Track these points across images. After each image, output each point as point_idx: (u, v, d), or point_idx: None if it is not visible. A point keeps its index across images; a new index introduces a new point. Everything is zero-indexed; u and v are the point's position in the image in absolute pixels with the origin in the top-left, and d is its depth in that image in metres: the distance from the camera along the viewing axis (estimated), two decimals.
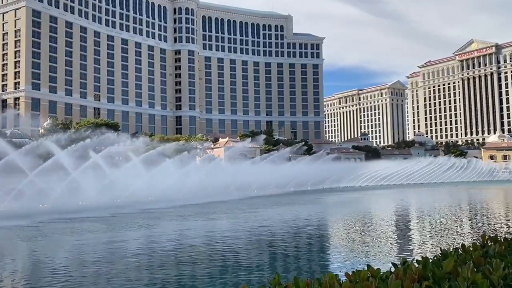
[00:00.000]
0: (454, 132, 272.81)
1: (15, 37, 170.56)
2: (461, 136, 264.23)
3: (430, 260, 4.47)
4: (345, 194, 73.20)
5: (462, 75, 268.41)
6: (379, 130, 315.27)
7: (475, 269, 4.02)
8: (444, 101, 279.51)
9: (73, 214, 40.79)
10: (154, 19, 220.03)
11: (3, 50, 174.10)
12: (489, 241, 5.70)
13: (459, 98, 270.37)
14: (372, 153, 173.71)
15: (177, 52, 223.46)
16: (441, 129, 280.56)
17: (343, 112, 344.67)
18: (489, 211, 42.53)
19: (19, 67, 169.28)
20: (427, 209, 44.87)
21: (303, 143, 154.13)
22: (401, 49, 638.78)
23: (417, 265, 4.40)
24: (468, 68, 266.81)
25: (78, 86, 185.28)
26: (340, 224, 33.53)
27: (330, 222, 36.07)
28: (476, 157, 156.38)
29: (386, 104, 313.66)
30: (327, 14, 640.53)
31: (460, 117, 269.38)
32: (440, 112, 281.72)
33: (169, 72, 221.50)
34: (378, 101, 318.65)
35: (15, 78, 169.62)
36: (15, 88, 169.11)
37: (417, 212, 43.94)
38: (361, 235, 26.68)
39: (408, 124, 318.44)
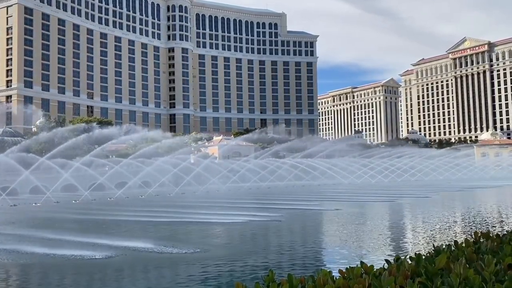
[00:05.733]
0: (447, 130, 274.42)
1: (7, 34, 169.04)
2: (454, 134, 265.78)
3: (423, 257, 4.50)
4: None
5: (455, 73, 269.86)
6: (373, 128, 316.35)
7: (468, 265, 4.05)
8: (437, 99, 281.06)
9: None
10: (147, 17, 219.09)
11: None
12: (481, 238, 5.74)
13: (452, 96, 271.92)
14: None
15: (171, 49, 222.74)
16: (434, 126, 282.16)
17: (337, 110, 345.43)
18: None
19: (11, 64, 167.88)
20: None
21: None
22: (394, 46, 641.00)
23: (410, 262, 4.43)
24: (461, 66, 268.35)
25: (71, 84, 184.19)
26: None
27: None
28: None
29: (379, 101, 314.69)
30: (321, 12, 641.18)
31: (453, 114, 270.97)
32: (433, 110, 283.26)
33: (163, 70, 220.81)
34: (372, 99, 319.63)
35: (7, 76, 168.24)
36: (7, 86, 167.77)
37: None
38: None
39: (401, 121, 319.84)
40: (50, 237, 24.72)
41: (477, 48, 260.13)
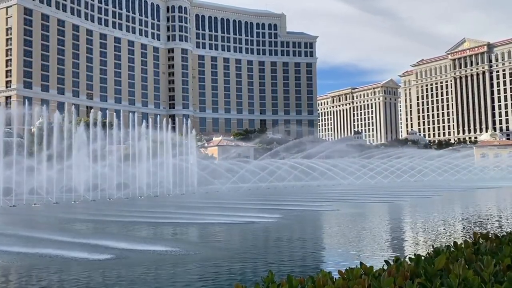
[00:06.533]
0: (446, 131, 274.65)
1: (7, 35, 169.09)
2: (454, 135, 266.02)
3: (423, 258, 4.51)
4: None
5: (455, 73, 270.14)
6: (372, 128, 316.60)
7: (467, 266, 4.06)
8: (437, 100, 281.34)
9: None
10: (147, 17, 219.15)
11: None
12: (480, 239, 5.75)
13: (452, 97, 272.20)
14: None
15: (171, 50, 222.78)
16: (433, 127, 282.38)
17: (336, 111, 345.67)
18: None
19: (10, 65, 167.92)
20: None
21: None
22: (394, 46, 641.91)
23: (409, 262, 4.44)
24: (460, 67, 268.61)
25: (70, 84, 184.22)
26: None
27: None
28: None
29: (379, 102, 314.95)
30: (320, 12, 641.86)
31: (453, 115, 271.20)
32: (432, 111, 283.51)
33: (162, 71, 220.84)
34: (371, 100, 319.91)
35: (6, 77, 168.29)
36: (7, 87, 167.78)
37: None
38: None
39: (401, 122, 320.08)
40: (59, 239, 24.69)
41: (476, 49, 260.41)
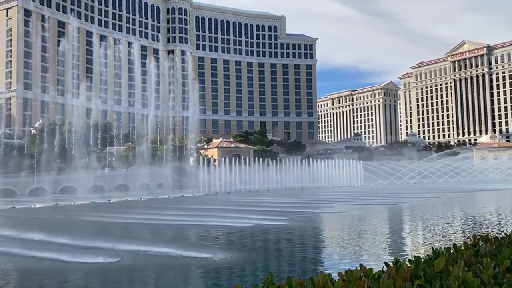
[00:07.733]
0: (446, 133, 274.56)
1: (7, 36, 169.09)
2: (453, 137, 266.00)
3: (422, 260, 4.51)
4: None
5: (454, 76, 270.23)
6: (372, 130, 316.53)
7: (466, 268, 4.06)
8: (437, 102, 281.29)
9: None
10: (147, 19, 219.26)
11: None
12: (480, 241, 5.75)
13: (451, 99, 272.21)
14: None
15: (170, 52, 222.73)
16: (433, 129, 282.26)
17: (336, 113, 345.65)
18: None
19: (10, 67, 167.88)
20: None
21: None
22: (393, 48, 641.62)
23: (409, 264, 4.44)
24: (460, 69, 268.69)
25: (70, 86, 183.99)
26: None
27: None
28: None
29: (379, 104, 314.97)
30: (320, 14, 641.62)
31: (452, 117, 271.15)
32: (432, 113, 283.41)
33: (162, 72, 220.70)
34: (371, 102, 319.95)
35: (6, 78, 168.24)
36: (7, 88, 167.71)
37: None
38: None
39: (400, 124, 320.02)
40: (63, 242, 24.68)
41: (476, 51, 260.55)
